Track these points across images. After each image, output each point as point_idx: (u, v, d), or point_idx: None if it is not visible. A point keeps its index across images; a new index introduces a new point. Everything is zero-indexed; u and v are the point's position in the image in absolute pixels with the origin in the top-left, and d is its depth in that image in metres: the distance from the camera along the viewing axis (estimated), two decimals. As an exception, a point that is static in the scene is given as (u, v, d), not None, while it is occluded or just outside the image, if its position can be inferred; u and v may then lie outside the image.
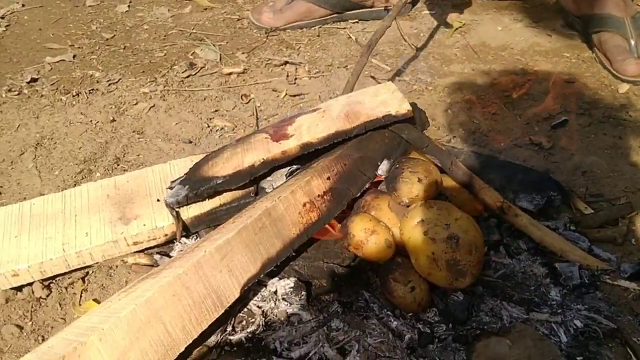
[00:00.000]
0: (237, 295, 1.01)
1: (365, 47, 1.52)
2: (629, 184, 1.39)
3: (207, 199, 1.21)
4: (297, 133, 1.23)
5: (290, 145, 1.20)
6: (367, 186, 1.20)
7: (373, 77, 1.83)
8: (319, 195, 1.13)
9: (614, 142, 1.53)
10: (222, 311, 0.99)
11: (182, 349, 0.94)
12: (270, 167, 1.20)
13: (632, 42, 1.76)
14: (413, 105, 1.27)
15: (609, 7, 1.83)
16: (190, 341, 0.95)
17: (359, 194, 1.19)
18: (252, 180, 1.20)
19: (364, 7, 2.17)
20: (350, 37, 2.08)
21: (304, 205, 1.11)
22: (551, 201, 1.27)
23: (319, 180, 1.14)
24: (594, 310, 1.09)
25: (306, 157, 1.22)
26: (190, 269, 0.96)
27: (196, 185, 1.19)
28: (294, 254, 1.12)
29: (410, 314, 1.08)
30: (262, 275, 1.05)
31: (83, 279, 1.21)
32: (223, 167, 1.20)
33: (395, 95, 1.27)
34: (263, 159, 1.19)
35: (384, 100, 1.26)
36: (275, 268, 1.08)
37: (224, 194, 1.22)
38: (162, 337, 0.93)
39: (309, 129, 1.23)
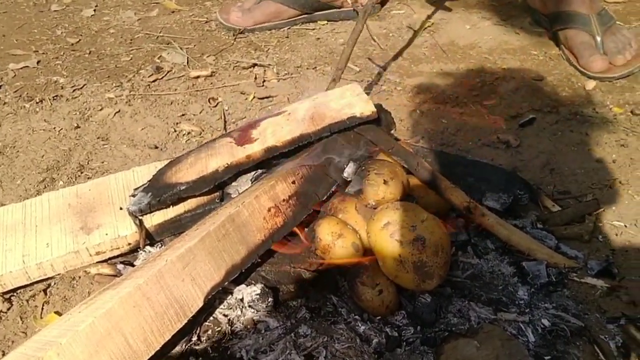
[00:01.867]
0: (200, 304, 0.99)
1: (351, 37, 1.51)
2: (595, 180, 1.40)
3: (170, 206, 1.19)
4: (261, 137, 1.21)
5: (255, 149, 1.19)
6: (333, 189, 1.19)
7: (342, 78, 1.81)
8: (284, 200, 1.12)
9: (581, 138, 1.53)
10: (186, 321, 0.97)
11: None
12: (235, 171, 1.18)
13: (598, 39, 1.78)
14: (378, 106, 1.26)
15: (574, 5, 1.84)
16: (153, 353, 0.93)
17: (325, 197, 1.18)
18: (216, 186, 1.18)
19: (333, 7, 2.16)
20: (319, 39, 2.07)
21: (269, 210, 1.10)
22: (518, 200, 1.27)
23: (283, 184, 1.13)
24: (562, 308, 1.09)
25: (271, 161, 1.21)
26: (151, 279, 0.94)
27: (159, 192, 1.17)
28: (259, 259, 1.10)
29: (379, 318, 1.07)
30: (226, 283, 1.03)
31: (45, 291, 1.18)
32: (187, 173, 1.18)
33: (360, 96, 1.26)
34: (227, 163, 1.17)
35: (349, 102, 1.25)
36: (240, 275, 1.07)
37: (189, 200, 1.20)
38: (123, 350, 0.90)
39: (273, 133, 1.21)
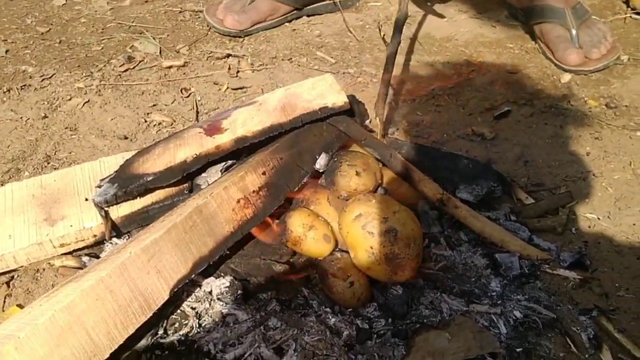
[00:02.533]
0: (166, 297, 0.96)
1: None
2: (569, 173, 1.40)
3: (138, 197, 1.16)
4: (231, 127, 1.19)
5: (225, 139, 1.16)
6: (305, 180, 1.17)
7: (318, 70, 1.80)
8: (253, 191, 1.10)
9: (555, 131, 1.53)
10: (151, 314, 0.95)
11: (107, 356, 0.89)
12: (204, 162, 1.15)
13: (574, 32, 1.77)
14: (351, 97, 1.25)
15: (549, -2, 1.84)
16: (116, 347, 0.90)
17: (296, 189, 1.16)
18: (185, 177, 1.15)
19: (321, 1, 2.12)
20: (294, 30, 2.04)
21: (238, 201, 1.07)
22: (492, 192, 1.26)
23: (253, 175, 1.11)
24: (534, 300, 1.09)
25: (242, 151, 1.18)
26: (114, 271, 0.91)
27: (126, 183, 1.13)
28: (228, 252, 1.08)
29: (350, 310, 1.06)
30: (194, 276, 1.01)
31: (7, 283, 1.14)
32: (154, 164, 1.16)
33: (333, 87, 1.24)
34: (196, 154, 1.14)
35: (321, 92, 1.23)
36: (209, 267, 1.04)
37: (157, 191, 1.17)
38: (85, 344, 0.87)
39: (244, 123, 1.19)
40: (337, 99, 1.20)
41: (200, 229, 1.02)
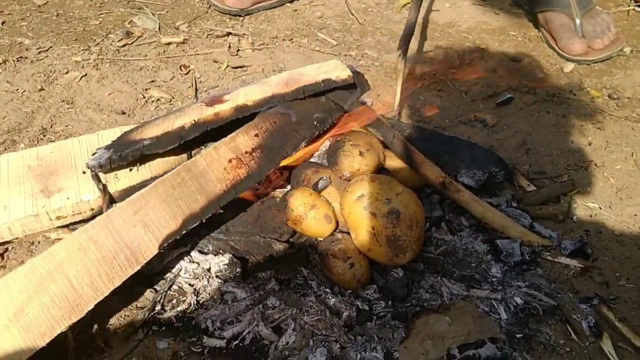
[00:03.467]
0: (155, 251, 0.95)
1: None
2: (571, 161, 1.39)
3: (133, 164, 1.13)
4: (233, 98, 1.17)
5: (224, 107, 1.14)
6: (303, 145, 1.15)
7: (319, 51, 1.78)
8: (246, 152, 1.08)
9: (558, 120, 1.52)
10: (138, 268, 0.93)
11: (91, 307, 0.88)
12: (203, 130, 1.12)
13: (578, 22, 1.76)
14: (350, 67, 1.23)
15: (555, -13, 1.82)
16: (101, 298, 0.89)
17: (294, 153, 1.14)
18: (183, 147, 1.13)
19: None
20: (296, 11, 2.02)
21: (230, 161, 1.06)
22: (493, 177, 1.25)
23: (245, 137, 1.09)
24: (534, 287, 1.08)
25: (243, 122, 1.16)
26: (97, 222, 0.91)
27: (121, 147, 1.11)
28: (222, 211, 1.06)
29: (349, 291, 1.04)
30: (185, 231, 0.99)
31: (2, 255, 1.12)
32: (152, 131, 1.14)
33: (338, 66, 1.22)
34: (194, 120, 1.12)
35: (326, 70, 1.21)
36: (208, 242, 1.03)
37: (155, 164, 1.15)
38: (67, 293, 0.86)
39: (245, 94, 1.17)
40: (341, 73, 1.19)
41: (190, 185, 1.01)
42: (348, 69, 1.20)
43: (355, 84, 1.22)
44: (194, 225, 0.99)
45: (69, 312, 0.86)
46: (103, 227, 0.90)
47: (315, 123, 1.15)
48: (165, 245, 0.95)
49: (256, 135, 1.10)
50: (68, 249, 0.86)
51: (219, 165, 1.03)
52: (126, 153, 1.10)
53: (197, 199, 1.00)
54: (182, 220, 0.98)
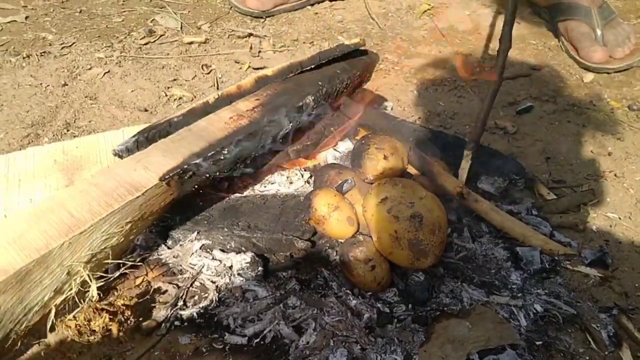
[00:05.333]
0: (155, 181, 0.96)
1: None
2: (591, 171, 1.39)
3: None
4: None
5: (245, 81, 1.20)
6: (309, 100, 1.18)
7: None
8: (247, 110, 1.12)
9: (578, 130, 1.52)
10: (139, 195, 0.94)
11: (87, 227, 0.89)
12: (226, 102, 1.16)
13: (599, 31, 1.76)
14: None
15: (576, -4, 1.82)
16: (98, 219, 0.90)
17: (301, 104, 1.16)
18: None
19: None
20: (317, 14, 2.03)
21: (230, 117, 1.10)
22: (513, 184, 1.25)
23: (246, 102, 1.15)
24: (554, 295, 1.08)
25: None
26: (101, 171, 0.96)
27: (148, 130, 1.13)
28: (226, 152, 1.06)
29: (370, 293, 1.05)
30: (185, 167, 1.00)
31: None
32: (177, 113, 1.17)
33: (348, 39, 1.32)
34: (218, 94, 1.18)
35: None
36: (231, 241, 1.03)
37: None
38: (66, 219, 0.90)
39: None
40: (351, 40, 1.29)
41: (190, 139, 1.05)
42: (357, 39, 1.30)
43: (367, 51, 1.31)
44: (196, 160, 1.01)
45: (66, 232, 0.88)
46: (105, 174, 0.95)
47: (319, 83, 1.19)
48: (167, 177, 0.97)
49: (257, 99, 1.14)
50: (71, 192, 0.91)
51: (219, 122, 1.08)
52: (153, 134, 1.11)
53: (198, 143, 1.04)
54: (182, 158, 1.01)
